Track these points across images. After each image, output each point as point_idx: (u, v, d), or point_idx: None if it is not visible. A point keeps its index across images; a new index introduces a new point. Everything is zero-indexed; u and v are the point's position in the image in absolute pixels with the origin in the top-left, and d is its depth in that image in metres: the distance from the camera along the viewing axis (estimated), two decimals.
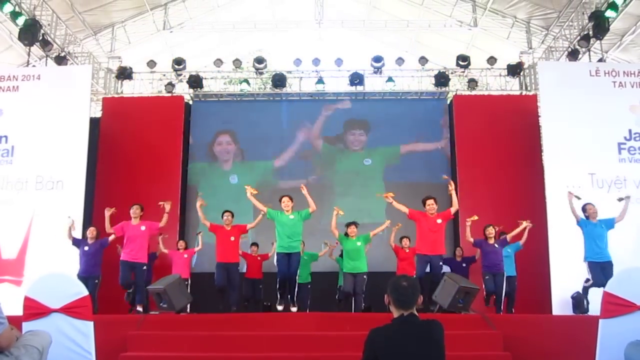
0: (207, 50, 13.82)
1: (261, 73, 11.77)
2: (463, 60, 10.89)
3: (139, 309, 7.04)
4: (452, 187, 6.77)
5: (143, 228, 7.05)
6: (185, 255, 8.55)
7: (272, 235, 8.35)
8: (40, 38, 9.77)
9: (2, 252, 8.45)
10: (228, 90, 11.75)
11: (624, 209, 6.71)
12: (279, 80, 11.08)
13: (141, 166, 9.82)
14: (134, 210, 7.06)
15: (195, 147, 10.78)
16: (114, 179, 9.65)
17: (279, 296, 6.85)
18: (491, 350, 4.85)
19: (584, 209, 6.74)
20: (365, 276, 7.28)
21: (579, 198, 6.90)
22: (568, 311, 7.44)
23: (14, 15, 9.42)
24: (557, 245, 8.13)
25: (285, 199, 6.85)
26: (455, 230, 9.58)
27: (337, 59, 11.25)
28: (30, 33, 9.48)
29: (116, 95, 11.08)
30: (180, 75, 11.26)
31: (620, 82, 8.77)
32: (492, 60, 10.98)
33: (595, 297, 6.32)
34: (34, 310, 3.84)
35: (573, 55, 10.20)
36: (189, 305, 7.30)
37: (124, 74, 11.00)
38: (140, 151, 10.00)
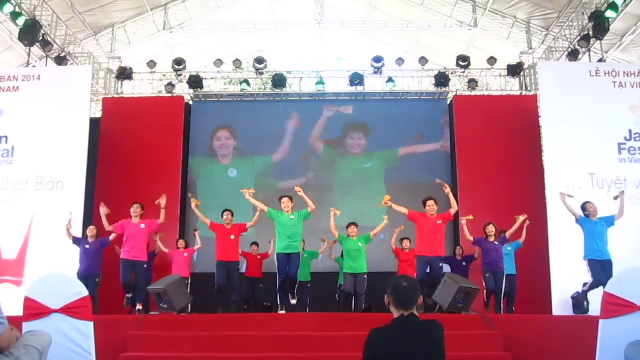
0: (207, 50, 13.82)
1: (261, 73, 11.77)
2: (463, 61, 10.90)
3: (139, 307, 7.07)
4: (447, 189, 6.79)
5: (143, 226, 7.08)
6: (186, 254, 8.56)
7: (272, 234, 8.38)
8: (41, 38, 9.77)
9: (2, 253, 8.45)
10: (228, 90, 11.75)
11: (621, 205, 6.73)
12: (279, 81, 11.09)
13: (141, 166, 9.82)
14: (135, 210, 7.09)
15: (194, 143, 10.78)
16: (114, 180, 9.65)
17: (279, 300, 6.85)
18: (491, 350, 4.85)
19: (584, 208, 6.74)
20: (365, 276, 7.29)
21: (571, 196, 6.94)
22: (568, 311, 7.43)
23: (14, 15, 9.43)
24: (557, 245, 8.13)
25: (285, 200, 6.86)
26: (456, 229, 9.58)
27: (337, 58, 11.28)
28: (31, 33, 9.48)
29: (116, 96, 11.08)
30: (180, 75, 11.27)
31: (621, 83, 8.77)
32: (492, 60, 10.99)
33: (595, 298, 6.32)
34: (34, 310, 3.84)
35: (573, 55, 10.20)
36: (189, 305, 7.31)
37: (124, 74, 11.01)
38: (140, 151, 10.00)
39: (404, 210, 6.89)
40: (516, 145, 9.83)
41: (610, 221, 6.67)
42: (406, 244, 8.24)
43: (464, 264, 8.60)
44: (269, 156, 10.75)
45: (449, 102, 10.99)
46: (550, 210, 8.28)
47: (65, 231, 7.54)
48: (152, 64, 11.13)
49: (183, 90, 11.36)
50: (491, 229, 7.47)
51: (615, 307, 3.81)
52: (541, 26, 11.51)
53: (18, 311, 3.89)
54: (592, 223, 6.59)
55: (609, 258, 6.46)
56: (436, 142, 10.71)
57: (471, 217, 7.45)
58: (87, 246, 7.43)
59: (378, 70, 11.23)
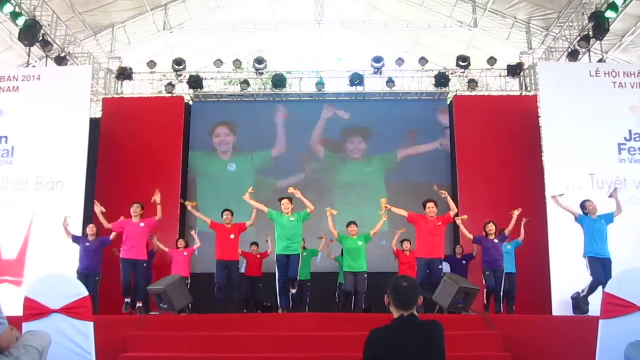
0: (208, 50, 13.83)
1: (261, 74, 11.77)
2: (463, 61, 10.90)
3: (139, 304, 7.09)
4: (444, 194, 6.80)
5: (142, 225, 7.12)
6: (185, 254, 8.57)
7: (269, 232, 8.40)
8: (41, 39, 9.77)
9: (2, 253, 8.45)
10: (228, 90, 11.75)
11: (617, 202, 6.74)
12: (279, 81, 11.09)
13: (141, 167, 9.82)
14: (135, 209, 7.12)
15: (194, 142, 10.78)
16: (114, 180, 9.65)
17: (280, 304, 6.87)
18: (491, 350, 4.84)
19: (583, 206, 6.74)
20: (365, 275, 7.29)
21: (562, 195, 7.03)
22: (568, 312, 7.43)
23: (14, 15, 9.42)
24: (557, 245, 8.13)
25: (285, 202, 6.88)
26: (456, 228, 9.56)
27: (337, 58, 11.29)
28: (31, 34, 9.48)
29: (116, 96, 11.08)
30: (180, 75, 11.27)
31: (621, 83, 8.77)
32: (492, 60, 10.99)
33: (595, 298, 6.33)
34: (34, 310, 3.83)
35: (573, 55, 10.20)
36: (189, 305, 7.32)
37: (124, 74, 11.01)
38: (140, 152, 10.00)
39: (404, 213, 6.91)
40: (516, 146, 9.83)
41: (609, 218, 6.68)
42: (406, 245, 8.25)
43: (464, 262, 8.65)
44: (268, 151, 10.75)
45: (449, 102, 10.99)
46: (550, 211, 8.28)
47: (64, 230, 7.55)
48: (152, 64, 11.13)
49: (183, 90, 11.36)
50: (491, 228, 7.49)
51: (615, 307, 3.80)
52: (541, 26, 11.51)
53: (18, 311, 3.89)
54: (591, 221, 6.60)
55: (608, 256, 6.46)
56: (434, 141, 10.71)
57: (465, 217, 7.46)
58: (87, 244, 7.45)
59: (378, 71, 11.23)
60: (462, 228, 7.57)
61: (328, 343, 5.00)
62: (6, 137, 8.88)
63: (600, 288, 6.13)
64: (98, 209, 7.26)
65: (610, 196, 6.84)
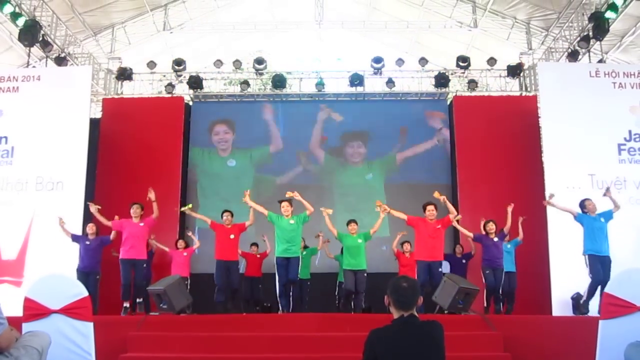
0: (207, 51, 13.83)
1: (261, 74, 11.77)
2: (463, 61, 10.89)
3: (139, 299, 7.16)
4: (442, 198, 6.80)
5: (142, 224, 7.16)
6: (185, 254, 8.58)
7: (266, 233, 8.41)
8: (40, 39, 9.76)
9: (2, 253, 8.45)
10: (228, 91, 11.75)
11: (612, 199, 6.76)
12: (278, 81, 11.08)
13: (141, 167, 9.81)
14: (135, 210, 7.16)
15: (194, 141, 10.77)
16: (114, 180, 9.65)
17: (280, 307, 6.88)
18: (491, 351, 4.85)
19: (582, 205, 6.76)
20: (365, 274, 7.30)
21: (552, 195, 7.13)
22: (568, 312, 7.44)
23: (14, 16, 9.42)
24: (557, 246, 8.13)
25: (284, 204, 6.90)
26: (456, 228, 9.59)
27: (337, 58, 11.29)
28: (30, 34, 9.47)
29: (116, 96, 11.07)
30: (180, 76, 11.26)
31: (620, 83, 8.77)
32: (492, 61, 10.99)
33: (595, 298, 6.33)
34: (34, 311, 3.84)
35: (573, 56, 10.20)
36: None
37: (124, 74, 11.00)
38: (140, 152, 10.00)
39: (403, 216, 6.94)
40: (516, 146, 9.83)
41: (608, 215, 6.70)
42: (407, 247, 8.29)
43: (464, 261, 8.69)
44: (266, 147, 10.75)
45: (448, 102, 10.98)
46: (550, 210, 8.25)
47: (62, 230, 7.55)
48: (152, 65, 11.12)
49: (183, 90, 11.36)
50: (491, 227, 7.50)
51: (615, 307, 3.81)
52: (541, 27, 11.51)
53: (18, 312, 3.89)
54: (591, 219, 6.62)
55: (607, 254, 6.47)
56: (431, 138, 10.69)
57: (459, 217, 7.42)
58: (88, 242, 7.47)
59: (378, 71, 11.23)
60: (461, 229, 7.59)
61: (328, 343, 5.00)
62: (6, 138, 8.87)
63: (599, 289, 6.15)
64: (93, 208, 7.30)
65: (604, 195, 6.85)
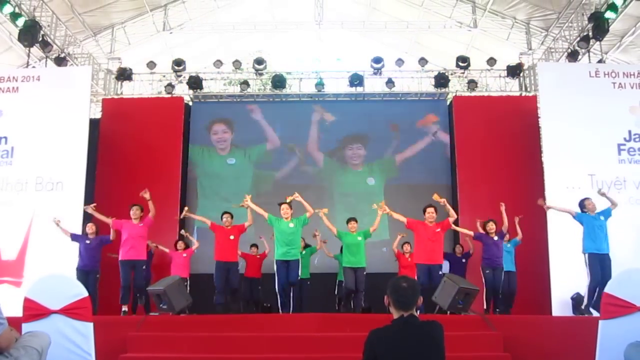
0: (207, 51, 13.82)
1: (261, 74, 11.76)
2: (463, 62, 10.89)
3: (140, 302, 7.17)
4: (442, 201, 6.78)
5: (141, 225, 7.20)
6: (184, 255, 8.57)
7: (263, 233, 8.42)
8: (40, 39, 9.75)
9: (1, 253, 8.45)
10: (228, 91, 11.75)
11: (608, 198, 6.78)
12: (278, 81, 11.08)
13: (141, 167, 9.81)
14: (134, 212, 7.19)
15: (194, 142, 10.78)
16: (114, 180, 9.64)
17: (280, 306, 6.89)
18: (491, 351, 4.85)
19: (582, 205, 6.76)
20: (364, 272, 7.30)
21: (547, 206, 7.32)
22: (568, 312, 7.45)
23: (14, 16, 9.41)
24: (557, 245, 8.14)
25: (284, 207, 6.92)
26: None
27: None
28: (30, 34, 9.46)
29: (116, 97, 11.07)
30: (180, 76, 11.26)
31: (620, 83, 8.77)
32: (491, 61, 10.98)
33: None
34: (34, 311, 3.83)
35: (573, 56, 10.20)
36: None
37: (124, 75, 11.00)
38: (140, 152, 10.00)
39: (402, 219, 6.95)
40: (516, 146, 9.83)
41: (607, 213, 6.70)
42: (407, 248, 8.31)
43: (463, 260, 8.71)
44: (263, 145, 10.75)
45: (448, 102, 10.98)
46: (550, 210, 8.28)
47: (63, 231, 7.55)
48: (151, 65, 11.12)
49: (183, 91, 11.35)
50: (492, 226, 7.50)
51: (615, 307, 3.80)
52: (541, 27, 11.51)
53: (17, 312, 3.89)
54: (591, 217, 6.63)
55: (607, 253, 6.47)
56: (427, 135, 10.68)
57: (452, 219, 7.32)
58: (88, 242, 7.47)
59: (378, 71, 11.23)
60: (461, 229, 7.60)
61: (328, 343, 5.00)
62: (6, 138, 8.88)
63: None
64: (90, 210, 7.34)
65: (602, 194, 6.85)
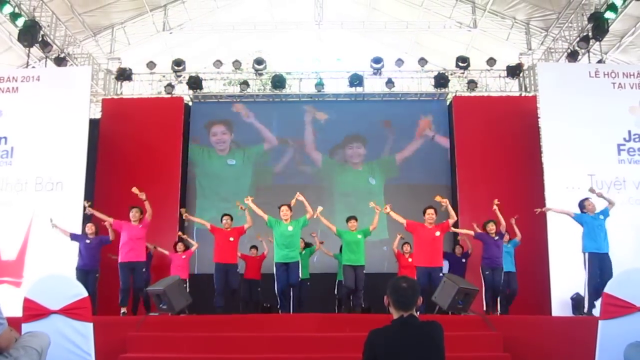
0: (207, 51, 13.82)
1: (261, 74, 11.75)
2: (462, 62, 10.89)
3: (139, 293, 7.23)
4: (444, 204, 6.78)
5: (140, 226, 7.21)
6: (184, 256, 8.56)
7: (260, 233, 8.42)
8: (40, 39, 9.75)
9: (1, 254, 8.45)
10: (227, 91, 11.74)
11: (604, 197, 6.79)
12: (278, 82, 11.08)
13: (141, 167, 9.80)
14: (134, 214, 7.22)
15: (193, 139, 10.78)
16: (114, 180, 9.62)
17: (280, 306, 6.90)
18: (491, 351, 4.85)
19: (582, 205, 6.77)
20: (364, 270, 7.30)
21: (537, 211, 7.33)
22: (568, 312, 7.45)
23: (14, 16, 9.41)
24: (557, 246, 8.14)
25: (284, 208, 6.93)
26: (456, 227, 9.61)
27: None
28: (30, 34, 9.46)
29: (116, 97, 11.06)
30: (179, 76, 11.25)
31: (620, 84, 8.78)
32: (491, 61, 10.98)
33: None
34: (34, 311, 3.83)
35: (572, 56, 10.20)
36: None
37: (124, 75, 10.99)
38: (139, 152, 9.99)
39: (402, 220, 6.95)
40: (516, 146, 9.83)
41: (606, 212, 6.72)
42: (407, 248, 8.32)
43: (463, 260, 8.72)
44: (261, 145, 10.75)
45: (448, 102, 10.98)
46: (550, 212, 8.28)
47: (58, 230, 7.56)
48: (151, 65, 11.11)
49: (182, 91, 11.34)
50: (492, 227, 7.51)
51: (615, 308, 3.81)
52: (540, 27, 11.52)
53: (17, 312, 3.89)
54: (590, 217, 6.65)
55: (607, 252, 6.48)
56: (423, 134, 10.68)
57: (452, 221, 7.35)
58: (88, 241, 7.48)
59: (377, 71, 11.23)
60: (461, 231, 7.60)
61: (328, 343, 5.00)
62: (5, 138, 8.88)
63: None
64: (89, 210, 7.39)
65: (600, 195, 6.86)
